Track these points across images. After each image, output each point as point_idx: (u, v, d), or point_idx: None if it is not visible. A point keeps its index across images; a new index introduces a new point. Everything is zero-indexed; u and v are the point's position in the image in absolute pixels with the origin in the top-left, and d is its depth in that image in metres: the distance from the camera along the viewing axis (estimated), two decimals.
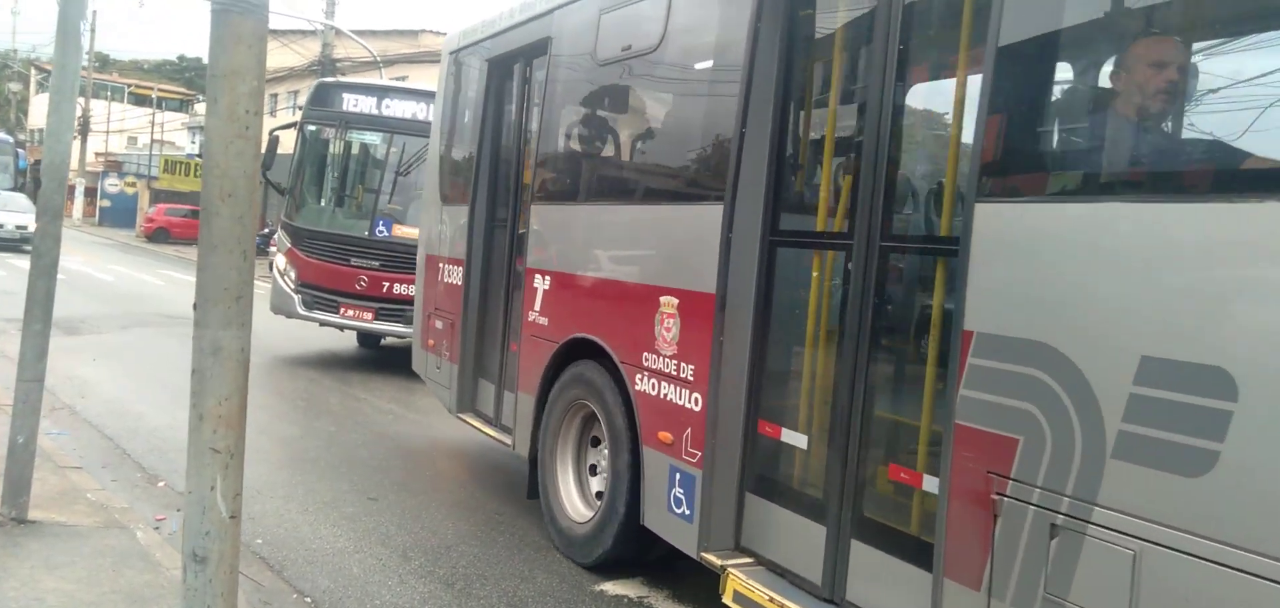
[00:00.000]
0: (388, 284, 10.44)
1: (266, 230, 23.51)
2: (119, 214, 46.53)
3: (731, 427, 4.03)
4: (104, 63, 58.66)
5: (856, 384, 3.44)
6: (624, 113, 5.11)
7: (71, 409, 7.57)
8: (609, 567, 4.87)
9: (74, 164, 44.16)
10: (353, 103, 11.00)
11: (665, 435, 4.29)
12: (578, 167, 5.47)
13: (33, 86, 58.67)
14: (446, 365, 6.65)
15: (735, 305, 3.95)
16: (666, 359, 4.28)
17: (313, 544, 4.97)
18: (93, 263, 24.17)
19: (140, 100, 56.90)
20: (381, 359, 12.08)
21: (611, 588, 4.79)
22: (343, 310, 10.52)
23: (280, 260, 11.16)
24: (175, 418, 7.35)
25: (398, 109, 10.92)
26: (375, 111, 10.97)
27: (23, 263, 4.85)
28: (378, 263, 10.51)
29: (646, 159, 4.95)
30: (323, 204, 11.73)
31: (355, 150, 11.74)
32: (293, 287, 10.82)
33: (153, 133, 49.09)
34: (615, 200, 5.10)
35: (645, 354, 4.43)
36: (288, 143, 11.90)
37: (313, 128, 11.32)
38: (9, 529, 4.34)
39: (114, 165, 49.73)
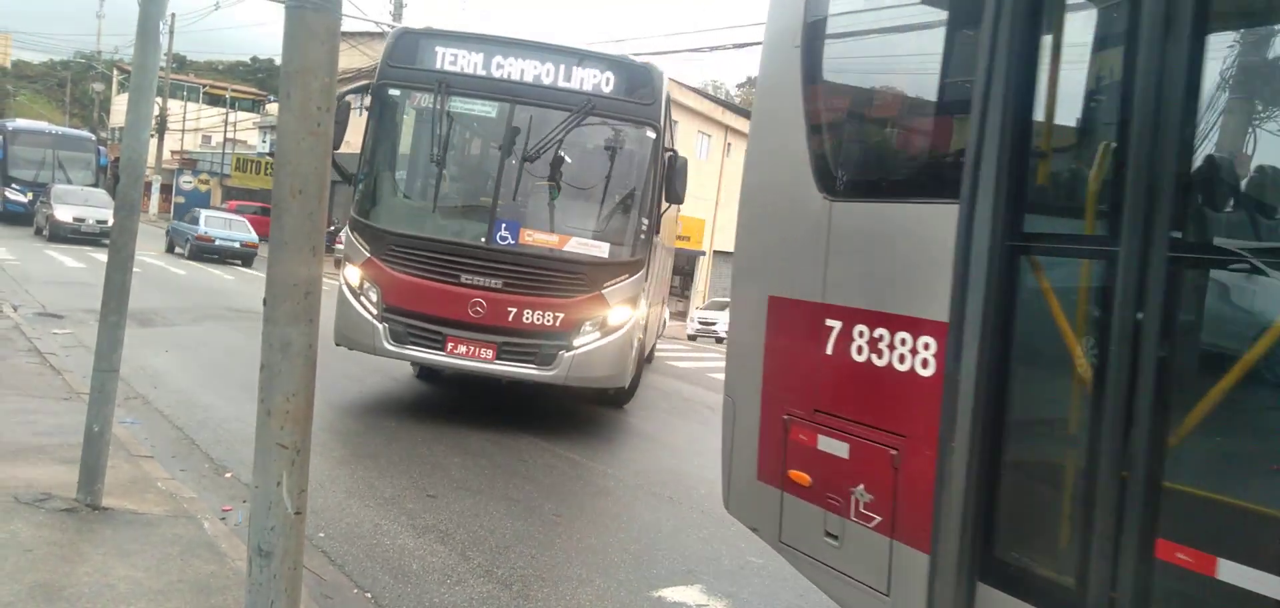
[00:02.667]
0: (514, 310, 7.57)
1: (332, 228, 23.72)
2: (193, 210, 47.99)
3: None
4: (181, 64, 60.67)
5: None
6: None
7: (144, 399, 7.78)
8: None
9: (151, 161, 45.74)
10: (451, 59, 7.97)
11: None
12: None
13: (114, 87, 60.92)
14: (869, 539, 3.24)
15: None
16: None
17: (373, 540, 5.01)
18: (167, 257, 24.95)
19: (214, 100, 58.79)
20: None
21: (671, 595, 4.73)
22: (451, 346, 7.61)
23: (352, 274, 7.93)
24: (242, 410, 7.51)
25: (518, 69, 7.93)
26: (484, 72, 7.95)
27: (103, 256, 5.02)
28: (500, 281, 7.59)
29: None
30: (411, 198, 8.58)
31: (458, 124, 8.41)
32: (375, 312, 7.75)
33: (226, 131, 50.59)
34: None
35: None
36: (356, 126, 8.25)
37: (395, 92, 8.24)
38: (83, 515, 4.45)
39: (189, 163, 51.34)
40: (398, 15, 25.65)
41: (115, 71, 60.96)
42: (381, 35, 28.28)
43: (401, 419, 8.24)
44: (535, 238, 7.76)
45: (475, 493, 6.13)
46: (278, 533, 2.42)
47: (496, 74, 7.95)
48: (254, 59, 71.99)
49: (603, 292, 7.67)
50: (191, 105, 56.23)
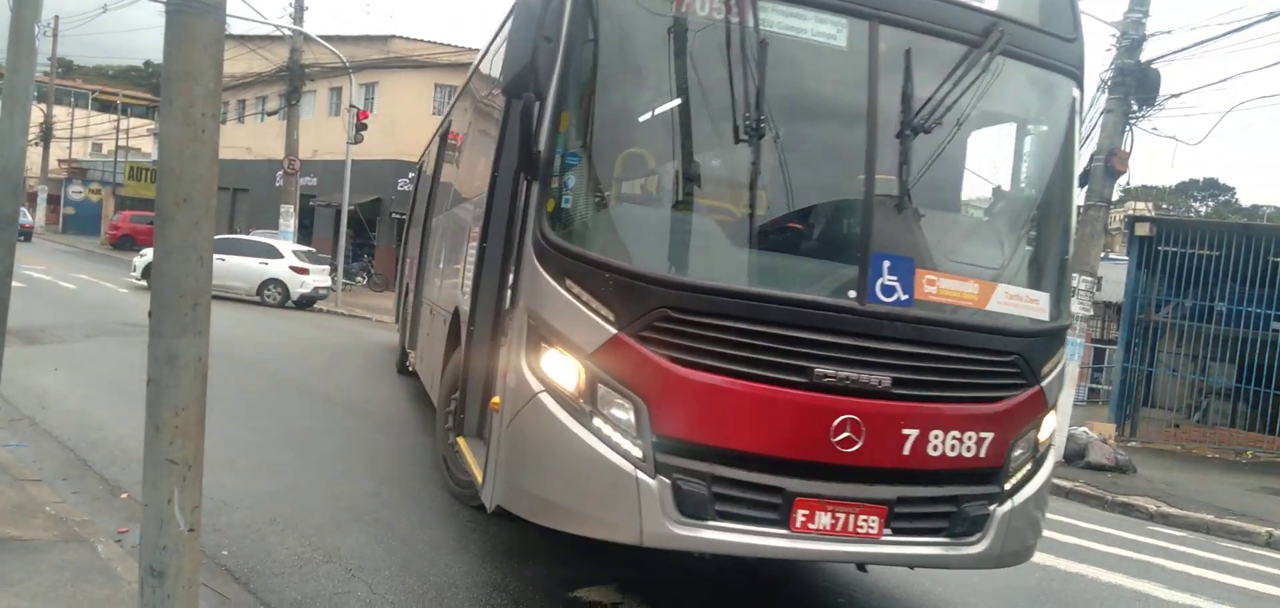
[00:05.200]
0: (913, 433, 4.10)
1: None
2: (83, 221, 45.85)
3: None
4: (68, 69, 57.70)
5: None
6: None
7: (31, 420, 7.40)
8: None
9: (36, 171, 43.47)
10: None
11: None
12: None
13: None
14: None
15: None
16: None
17: (280, 556, 4.89)
18: (55, 271, 23.72)
19: (105, 106, 56.09)
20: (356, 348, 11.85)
21: (586, 594, 4.75)
22: (802, 518, 3.99)
23: (565, 368, 4.01)
24: (139, 428, 7.15)
25: None
26: None
27: None
28: (887, 378, 4.03)
29: None
30: (690, 212, 4.19)
31: (774, 63, 4.03)
32: (633, 452, 3.92)
33: (117, 139, 48.38)
34: None
35: None
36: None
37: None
38: None
39: (78, 172, 48.96)
40: (298, 18, 24.95)
41: None
42: (282, 39, 27.51)
43: (310, 429, 8.04)
44: (941, 288, 4.18)
45: (388, 503, 6.03)
46: (170, 552, 2.35)
47: None
48: (147, 64, 68.86)
49: (1042, 384, 4.42)
50: (80, 112, 53.60)
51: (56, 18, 42.92)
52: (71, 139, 50.46)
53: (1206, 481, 12.37)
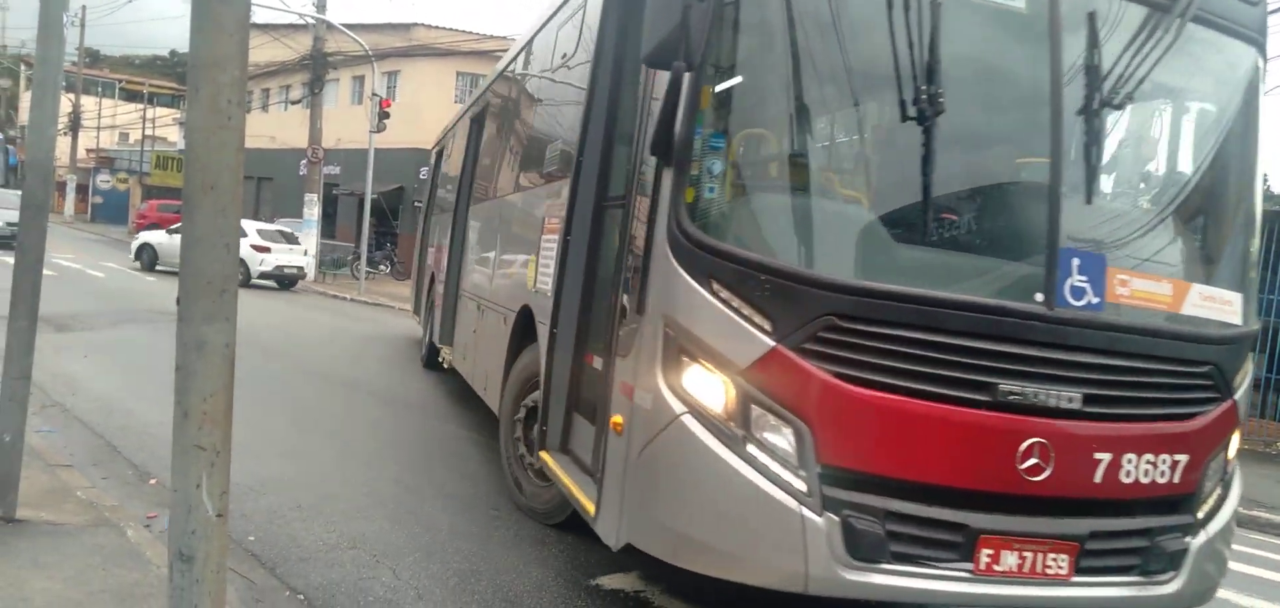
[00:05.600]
0: (1106, 457, 3.60)
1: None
2: (111, 210, 46.37)
3: None
4: (95, 58, 58.38)
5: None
6: None
7: (62, 407, 7.51)
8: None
9: (65, 160, 44.03)
10: None
11: None
12: None
13: (22, 82, 58.39)
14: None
15: None
16: None
17: (306, 542, 4.93)
18: (84, 259, 24.05)
19: (132, 96, 56.74)
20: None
21: (608, 582, 4.76)
22: (984, 561, 3.51)
23: (710, 387, 3.51)
24: (166, 415, 7.22)
25: None
26: None
27: (12, 259, 4.76)
28: (1078, 395, 3.52)
29: None
30: (851, 201, 3.83)
31: (929, 31, 3.43)
32: (797, 485, 3.41)
33: (144, 128, 48.90)
34: None
35: None
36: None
37: None
38: None
39: (106, 162, 49.54)
40: (322, 7, 25.07)
41: (22, 67, 58.43)
42: (306, 28, 27.65)
43: (335, 416, 8.10)
44: (1134, 289, 3.68)
45: (412, 490, 6.06)
46: (199, 537, 2.37)
47: None
48: (173, 53, 69.55)
49: (1236, 396, 3.97)
50: (107, 101, 54.22)
51: (84, 8, 43.46)
52: (99, 129, 51.05)
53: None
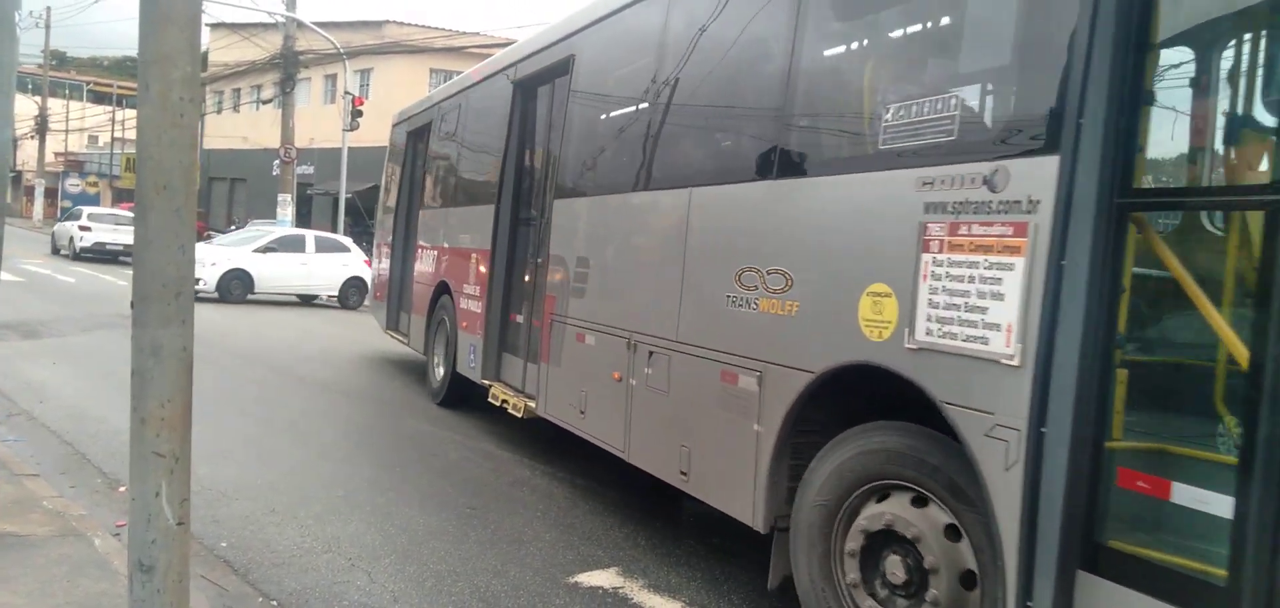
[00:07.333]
0: None
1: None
2: None
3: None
4: (62, 60, 57.48)
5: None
6: None
7: (29, 415, 7.37)
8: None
9: (33, 164, 43.35)
10: None
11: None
12: None
13: None
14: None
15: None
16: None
17: (279, 546, 4.85)
18: (53, 265, 23.68)
19: (101, 98, 55.93)
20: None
21: (587, 579, 4.72)
22: None
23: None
24: None
25: None
26: None
27: None
28: None
29: None
30: None
31: None
32: None
33: (113, 130, 48.23)
34: None
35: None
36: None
37: None
38: None
39: (75, 165, 48.84)
40: (292, 5, 24.80)
41: None
42: (276, 27, 27.32)
43: (308, 418, 8.01)
44: None
45: (387, 490, 6.00)
46: (159, 546, 2.31)
47: None
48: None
49: None
50: (75, 104, 53.42)
51: (48, 9, 42.74)
52: (67, 132, 50.29)
53: None
